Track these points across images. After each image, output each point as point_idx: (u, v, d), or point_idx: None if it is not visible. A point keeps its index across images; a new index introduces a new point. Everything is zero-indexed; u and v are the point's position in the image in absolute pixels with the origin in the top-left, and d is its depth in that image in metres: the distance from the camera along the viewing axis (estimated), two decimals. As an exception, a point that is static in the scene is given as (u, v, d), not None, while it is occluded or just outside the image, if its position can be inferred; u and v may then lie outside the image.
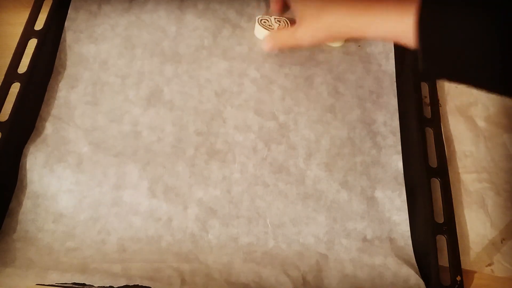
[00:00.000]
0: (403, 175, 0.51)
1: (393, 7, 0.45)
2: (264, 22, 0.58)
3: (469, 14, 0.40)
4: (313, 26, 0.50)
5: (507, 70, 0.39)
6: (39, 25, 0.56)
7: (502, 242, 0.49)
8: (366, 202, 0.50)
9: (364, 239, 0.48)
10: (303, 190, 0.50)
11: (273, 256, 0.47)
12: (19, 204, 0.47)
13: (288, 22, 0.58)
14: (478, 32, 0.39)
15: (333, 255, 0.47)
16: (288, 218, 0.48)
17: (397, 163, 0.52)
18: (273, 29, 0.57)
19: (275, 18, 0.58)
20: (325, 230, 0.48)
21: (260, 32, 0.58)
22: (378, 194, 0.50)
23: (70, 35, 0.56)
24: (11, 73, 0.52)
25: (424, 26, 0.42)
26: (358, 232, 0.48)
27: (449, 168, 0.51)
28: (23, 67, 0.52)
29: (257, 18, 0.58)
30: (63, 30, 0.56)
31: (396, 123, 0.55)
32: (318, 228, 0.48)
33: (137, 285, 0.42)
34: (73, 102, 0.52)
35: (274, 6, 0.59)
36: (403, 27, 0.44)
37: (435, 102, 0.55)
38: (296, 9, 0.52)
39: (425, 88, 0.56)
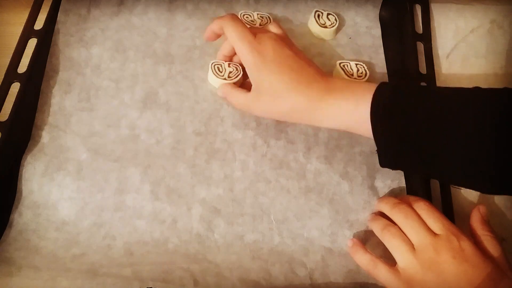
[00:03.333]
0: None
1: (351, 95, 0.45)
2: (247, 17, 0.58)
3: (422, 107, 0.42)
4: (269, 107, 0.48)
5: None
6: (39, 24, 0.55)
7: (502, 242, 0.49)
8: (367, 192, 0.50)
9: (367, 230, 0.49)
10: (305, 184, 0.50)
11: (279, 252, 0.47)
12: (20, 214, 0.47)
13: (271, 18, 0.58)
14: (432, 127, 0.41)
15: (337, 248, 0.48)
16: (292, 213, 0.49)
17: (395, 152, 0.53)
18: (255, 24, 0.57)
19: (258, 14, 0.58)
20: (329, 222, 0.49)
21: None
22: (378, 183, 0.51)
23: (60, 39, 0.55)
24: (11, 73, 0.51)
25: (376, 117, 0.42)
26: (361, 223, 0.49)
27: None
28: (23, 67, 0.52)
29: (240, 14, 0.57)
30: (53, 33, 0.55)
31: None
32: (321, 221, 0.49)
33: None
34: (68, 109, 0.52)
35: (208, 35, 0.53)
36: (357, 117, 0.44)
37: None
38: (252, 76, 0.48)
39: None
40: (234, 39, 0.48)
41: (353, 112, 0.44)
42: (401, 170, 0.48)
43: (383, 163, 0.46)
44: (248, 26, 0.52)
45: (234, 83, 0.53)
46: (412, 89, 0.45)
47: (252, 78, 0.48)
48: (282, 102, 0.46)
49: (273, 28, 0.51)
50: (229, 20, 0.49)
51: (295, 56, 0.48)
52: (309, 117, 0.47)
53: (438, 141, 0.41)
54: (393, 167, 0.46)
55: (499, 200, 0.52)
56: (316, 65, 0.49)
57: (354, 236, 0.48)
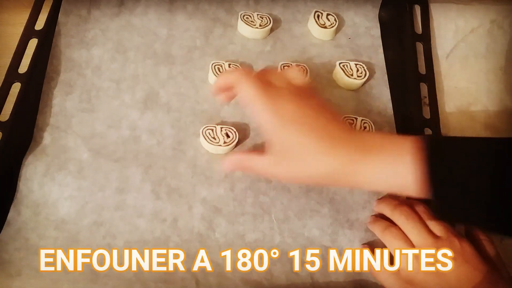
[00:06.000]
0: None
1: (389, 156, 0.39)
2: (247, 18, 0.58)
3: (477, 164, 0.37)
4: (292, 173, 0.41)
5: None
6: (39, 25, 0.55)
7: (501, 242, 0.49)
8: (367, 192, 0.50)
9: (367, 229, 0.49)
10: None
11: (280, 251, 0.47)
12: (18, 213, 0.46)
13: (271, 19, 0.58)
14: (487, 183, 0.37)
15: (337, 248, 0.48)
16: (293, 212, 0.49)
17: (395, 152, 0.53)
18: (255, 25, 0.57)
19: (257, 14, 0.59)
20: (329, 222, 0.49)
21: (243, 28, 0.58)
22: (379, 183, 0.51)
23: (61, 40, 0.56)
24: (12, 73, 0.52)
25: (434, 179, 0.37)
26: (361, 222, 0.49)
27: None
28: (23, 67, 0.52)
29: (240, 14, 0.58)
30: (54, 35, 0.56)
31: (390, 113, 0.56)
32: (322, 220, 0.49)
33: None
34: (69, 110, 0.52)
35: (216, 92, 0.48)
36: (400, 181, 0.39)
37: (434, 103, 0.55)
38: (270, 138, 0.42)
39: (424, 88, 0.56)
40: (247, 101, 0.43)
41: (395, 176, 0.39)
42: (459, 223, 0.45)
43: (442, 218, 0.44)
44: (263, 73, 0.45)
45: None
46: (455, 141, 0.41)
47: (270, 140, 0.42)
48: (307, 166, 0.41)
49: (291, 74, 0.45)
50: (241, 77, 0.43)
51: (315, 113, 0.42)
52: (345, 180, 0.41)
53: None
54: (452, 221, 0.45)
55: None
56: (340, 119, 0.44)
57: (355, 236, 0.49)
